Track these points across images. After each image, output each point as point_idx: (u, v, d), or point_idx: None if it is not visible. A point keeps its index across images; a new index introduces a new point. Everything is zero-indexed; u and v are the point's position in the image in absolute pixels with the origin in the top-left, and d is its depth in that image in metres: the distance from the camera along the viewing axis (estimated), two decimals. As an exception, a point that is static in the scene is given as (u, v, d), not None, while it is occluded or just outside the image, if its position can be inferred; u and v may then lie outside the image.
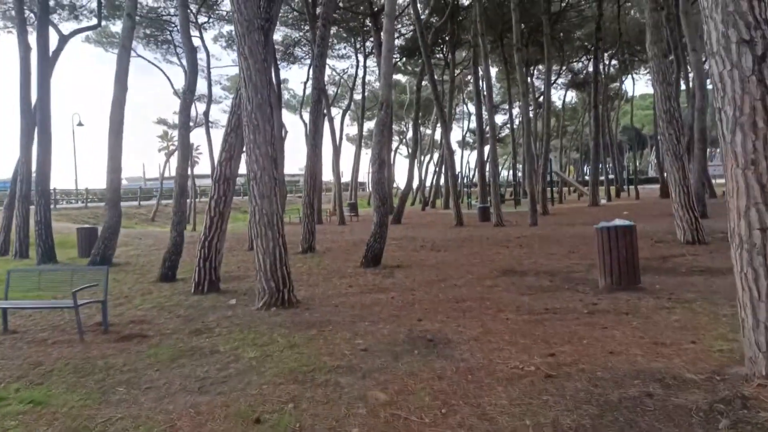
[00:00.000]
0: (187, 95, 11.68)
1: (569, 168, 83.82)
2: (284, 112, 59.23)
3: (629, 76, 58.17)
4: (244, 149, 8.10)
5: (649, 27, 13.53)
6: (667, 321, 6.10)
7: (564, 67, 51.82)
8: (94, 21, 20.87)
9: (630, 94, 65.95)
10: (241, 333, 6.44)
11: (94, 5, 22.48)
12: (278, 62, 33.93)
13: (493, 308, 7.28)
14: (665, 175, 13.28)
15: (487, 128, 36.71)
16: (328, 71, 55.62)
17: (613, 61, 49.43)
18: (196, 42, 31.86)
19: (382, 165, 12.34)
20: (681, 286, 8.12)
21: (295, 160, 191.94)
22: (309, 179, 15.78)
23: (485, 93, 23.95)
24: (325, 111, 36.02)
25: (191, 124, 41.97)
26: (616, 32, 38.87)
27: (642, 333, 5.67)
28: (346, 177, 57.26)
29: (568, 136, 72.16)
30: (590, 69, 56.59)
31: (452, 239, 17.51)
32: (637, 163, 68.01)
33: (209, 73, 31.62)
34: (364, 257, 12.12)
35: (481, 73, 25.49)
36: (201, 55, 41.91)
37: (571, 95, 64.15)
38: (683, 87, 30.49)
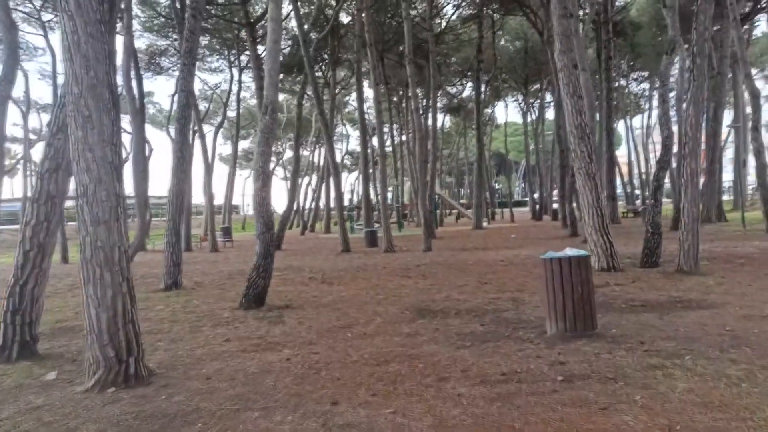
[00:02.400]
0: (2, 86, 8.73)
1: (445, 191, 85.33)
2: (149, 128, 54.65)
3: (501, 102, 60.20)
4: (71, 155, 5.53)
5: (558, 35, 12.52)
6: (677, 392, 4.45)
7: (440, 92, 52.26)
8: None
9: (499, 120, 68.51)
10: (44, 451, 3.93)
11: None
12: (141, 71, 30.53)
13: (431, 374, 5.32)
14: (580, 197, 12.22)
15: (369, 149, 35.39)
16: (199, 84, 52.02)
17: (482, 88, 50.59)
18: (40, 41, 27.55)
19: (267, 181, 10.08)
20: (641, 329, 6.66)
21: (162, 182, 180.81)
22: (174, 199, 13.07)
23: (374, 108, 22.37)
24: (196, 127, 32.84)
25: (33, 137, 36.74)
26: (490, 59, 39.47)
27: (665, 419, 3.94)
28: (219, 199, 53.56)
29: (443, 159, 73.29)
30: (465, 94, 58.02)
31: (344, 269, 15.49)
32: (508, 187, 70.22)
33: (55, 79, 27.37)
34: (245, 296, 9.74)
35: (367, 94, 23.98)
36: (47, 59, 36.88)
37: (447, 120, 65.14)
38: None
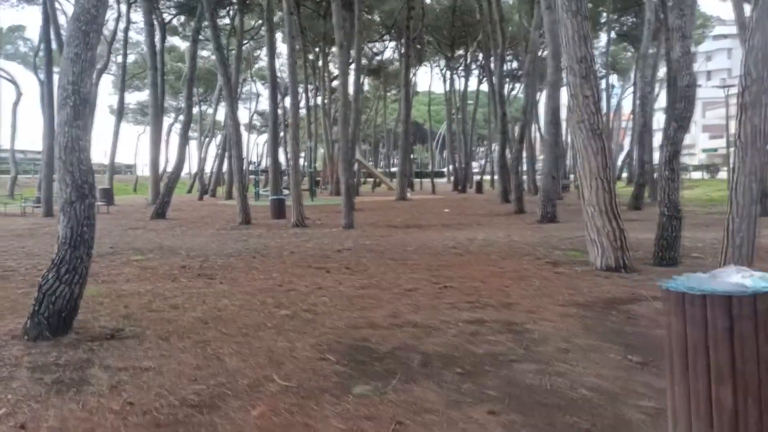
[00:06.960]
0: None
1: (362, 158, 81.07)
2: (17, 67, 47.39)
3: (423, 66, 56.56)
4: None
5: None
6: None
7: (362, 50, 47.89)
8: None
9: (418, 88, 64.92)
10: None
11: None
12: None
13: None
14: (578, 163, 8.47)
15: (281, 107, 30.72)
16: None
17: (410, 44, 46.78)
18: None
19: (83, 111, 5.62)
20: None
21: (37, 134, 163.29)
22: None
23: (288, 64, 17.77)
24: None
25: None
26: (418, 15, 35.61)
27: None
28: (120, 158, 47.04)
29: (361, 125, 69.06)
30: (386, 56, 53.83)
31: (236, 251, 11.20)
32: (428, 157, 67.12)
33: None
34: (32, 317, 5.33)
35: (281, 49, 19.42)
36: None
37: (365, 83, 60.85)
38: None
